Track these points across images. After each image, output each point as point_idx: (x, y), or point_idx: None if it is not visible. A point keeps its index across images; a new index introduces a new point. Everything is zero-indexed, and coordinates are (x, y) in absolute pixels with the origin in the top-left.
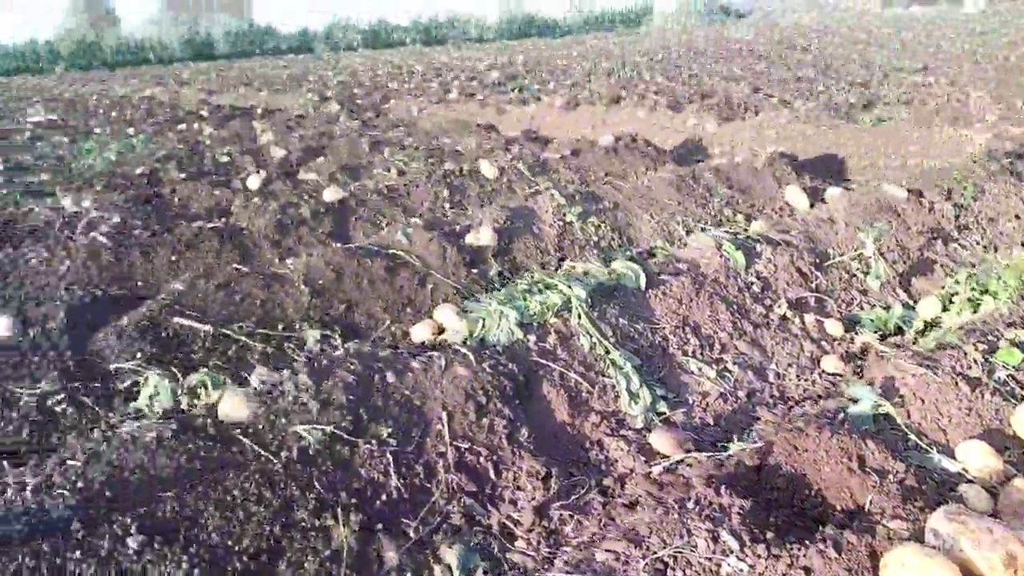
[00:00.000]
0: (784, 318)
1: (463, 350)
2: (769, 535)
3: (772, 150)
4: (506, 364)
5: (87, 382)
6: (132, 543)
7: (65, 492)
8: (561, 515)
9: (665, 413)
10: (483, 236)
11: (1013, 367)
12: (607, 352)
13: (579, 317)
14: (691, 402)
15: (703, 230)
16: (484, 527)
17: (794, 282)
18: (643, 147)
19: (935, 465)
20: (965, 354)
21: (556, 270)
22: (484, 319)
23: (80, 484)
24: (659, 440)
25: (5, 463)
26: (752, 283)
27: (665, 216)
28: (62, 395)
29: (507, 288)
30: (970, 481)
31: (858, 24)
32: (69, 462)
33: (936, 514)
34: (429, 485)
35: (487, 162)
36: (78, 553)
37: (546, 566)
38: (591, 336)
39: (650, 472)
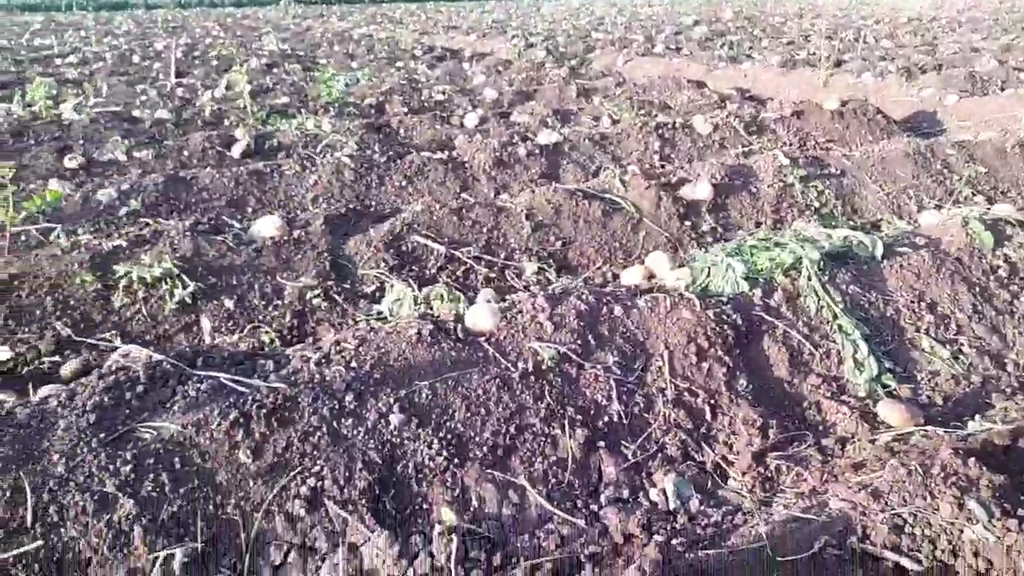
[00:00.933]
0: None
1: (687, 294)
2: (1022, 512)
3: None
4: (729, 314)
5: (339, 282)
6: (393, 419)
7: (340, 369)
8: (778, 464)
9: (891, 386)
10: (700, 190)
11: None
12: (835, 317)
13: (808, 278)
14: (919, 379)
15: (937, 207)
16: (698, 463)
17: None
18: (872, 114)
19: None
20: None
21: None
22: (709, 268)
23: (353, 363)
24: (887, 410)
25: (278, 343)
26: (998, 267)
27: (896, 189)
28: (318, 290)
29: (734, 241)
30: None
31: None
32: (343, 344)
33: None
34: (647, 415)
35: (701, 117)
36: (350, 421)
37: (763, 508)
38: (819, 298)
39: (876, 439)
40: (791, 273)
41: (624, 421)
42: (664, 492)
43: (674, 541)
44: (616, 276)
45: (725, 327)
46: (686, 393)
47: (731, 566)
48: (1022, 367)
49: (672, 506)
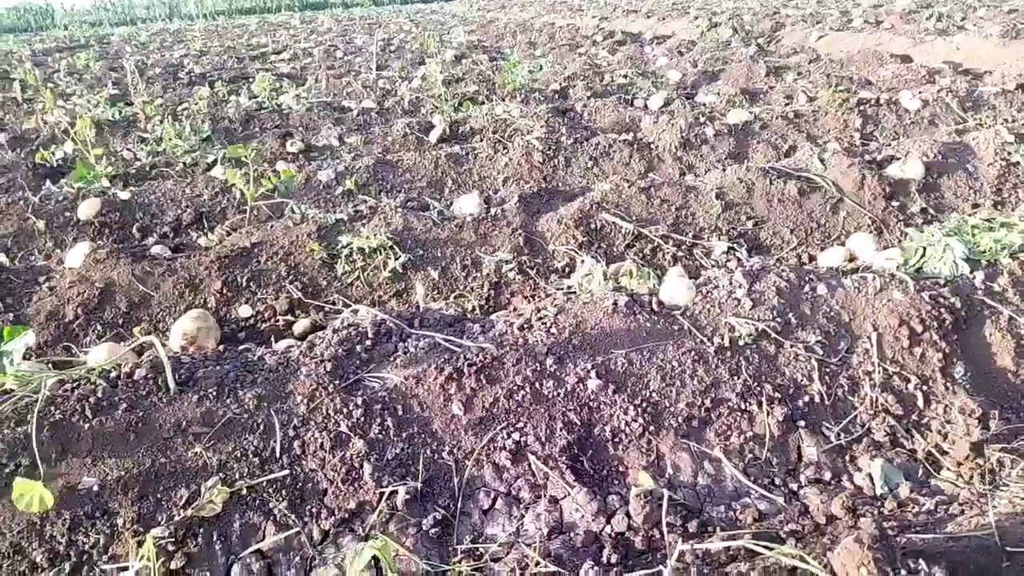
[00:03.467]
0: None
1: (899, 274)
2: None
3: None
4: (947, 297)
5: (531, 256)
6: (591, 384)
7: (541, 334)
8: (1000, 457)
9: None
10: (909, 169)
11: None
12: None
13: None
14: None
15: None
16: (908, 451)
17: None
18: None
19: None
20: None
21: (997, 212)
22: (924, 248)
23: (552, 330)
24: None
25: (477, 310)
26: None
27: None
28: (513, 264)
29: (952, 220)
30: None
31: None
32: (544, 311)
33: None
34: (852, 398)
35: (908, 93)
36: (551, 383)
37: (982, 500)
38: None
39: None
40: (1020, 256)
41: (826, 402)
42: (870, 476)
43: (884, 524)
44: (812, 258)
45: (941, 310)
46: (896, 378)
47: (952, 551)
48: None
49: (879, 491)
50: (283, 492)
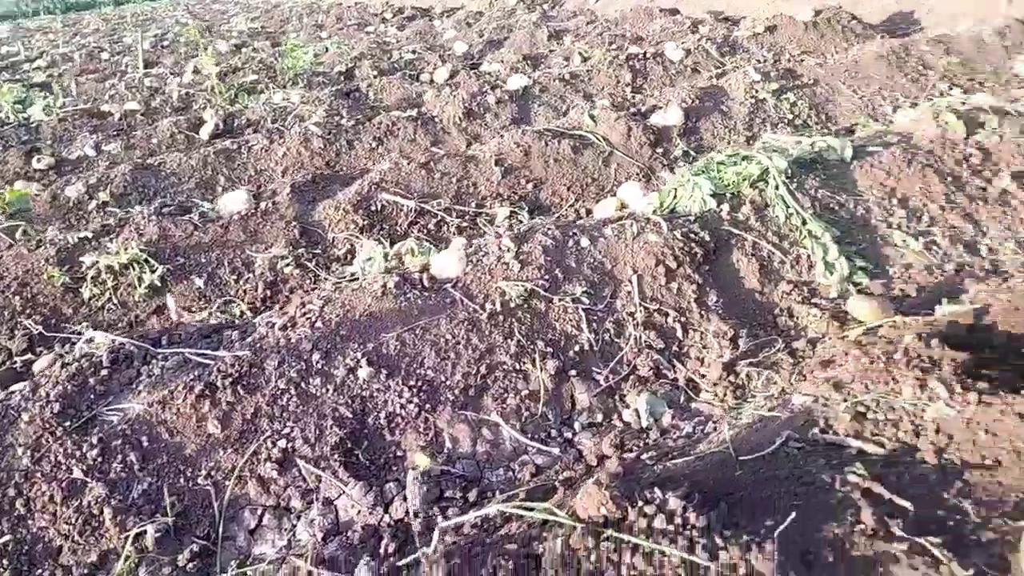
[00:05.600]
0: (1005, 191)
1: (654, 217)
2: (983, 385)
3: (1004, 19)
4: (697, 232)
5: (310, 248)
6: (362, 373)
7: (306, 330)
8: (748, 371)
9: (863, 284)
10: (669, 116)
11: None
12: (804, 223)
13: (776, 187)
14: (892, 274)
15: (913, 105)
16: (670, 380)
17: (1020, 154)
18: (846, 20)
19: None
20: None
21: (743, 147)
22: (676, 189)
23: (318, 324)
24: (857, 306)
25: (248, 312)
26: (971, 155)
27: (870, 92)
28: (289, 259)
29: (701, 160)
30: None
31: None
32: (308, 306)
33: None
34: (618, 340)
35: (672, 44)
36: (318, 380)
37: (733, 414)
38: (787, 206)
39: (846, 335)
40: (759, 185)
41: (595, 348)
42: (637, 412)
43: (644, 456)
44: (590, 211)
45: (692, 245)
46: (656, 314)
47: (696, 471)
48: (995, 250)
49: (645, 423)
50: (5, 561)
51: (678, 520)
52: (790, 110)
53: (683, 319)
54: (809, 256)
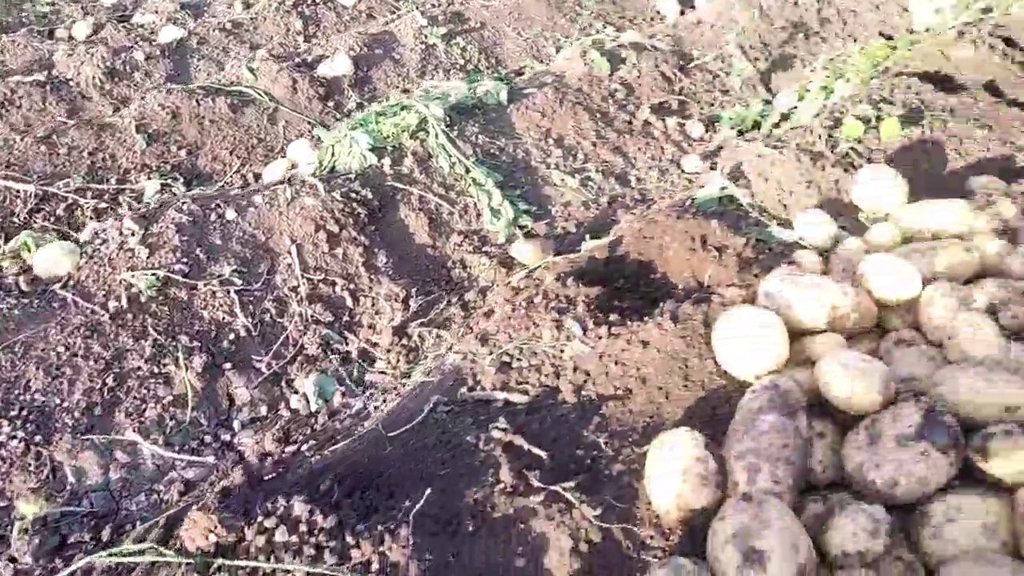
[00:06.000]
0: (647, 123)
1: (310, 179)
2: (614, 318)
3: None
4: (359, 191)
5: None
6: None
7: None
8: (420, 332)
9: (528, 226)
10: (338, 65)
11: (855, 139)
12: (467, 171)
13: (436, 137)
14: (554, 213)
15: (572, 45)
16: (342, 354)
17: (658, 87)
18: None
19: (774, 237)
20: (810, 132)
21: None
22: (333, 147)
23: None
24: (519, 251)
25: None
26: (616, 90)
27: (533, 34)
28: None
29: (359, 113)
30: (805, 248)
31: None
32: None
33: (769, 277)
34: (281, 320)
35: None
36: None
37: (403, 380)
38: (450, 156)
39: (510, 281)
40: (419, 135)
41: (254, 333)
42: (306, 396)
43: (305, 447)
44: (258, 175)
45: (355, 205)
46: (322, 284)
47: (350, 455)
48: (643, 179)
49: (314, 407)
50: None
51: (303, 528)
52: (461, 55)
53: (352, 286)
54: (476, 204)
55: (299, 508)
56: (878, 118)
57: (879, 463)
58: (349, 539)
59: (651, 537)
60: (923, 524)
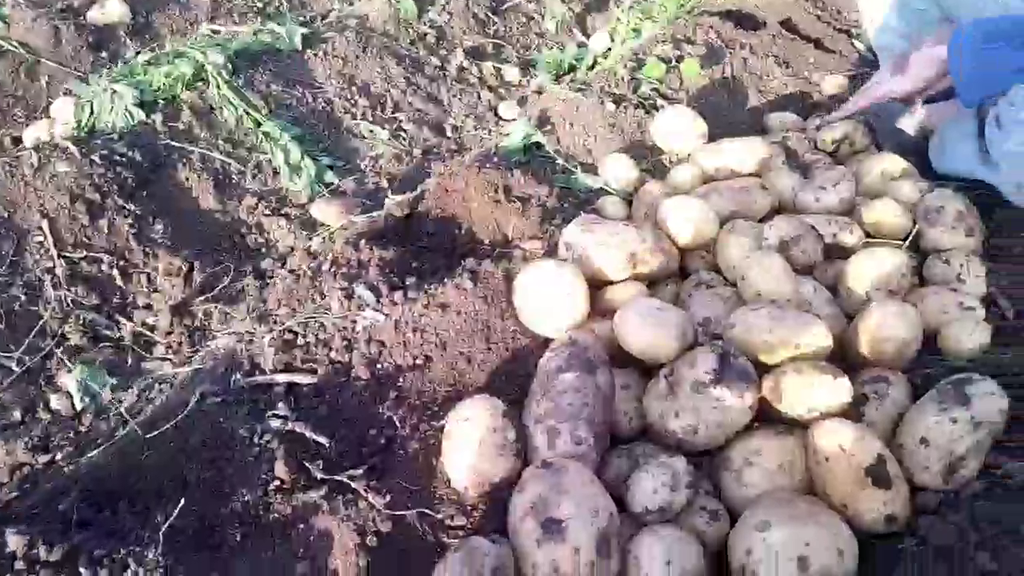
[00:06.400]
0: (462, 68)
1: (62, 143)
2: (411, 281)
3: None
4: (125, 153)
5: None
6: None
7: None
8: (206, 309)
9: (334, 183)
10: (111, 10)
11: (656, 79)
12: (259, 125)
13: (219, 87)
14: (364, 168)
15: None
16: (114, 341)
17: (472, 30)
18: None
19: (580, 184)
20: (615, 74)
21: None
22: (92, 103)
23: None
24: (320, 210)
25: None
26: (427, 34)
27: None
28: None
29: (122, 64)
30: (609, 193)
31: None
32: None
33: (568, 227)
34: (35, 307)
35: None
36: None
37: (185, 367)
38: (237, 108)
39: (309, 246)
40: (198, 86)
41: (0, 325)
42: (69, 395)
43: (60, 456)
44: (18, 140)
45: (121, 170)
46: (85, 263)
47: (103, 465)
48: (459, 128)
49: (80, 406)
50: None
51: (20, 566)
52: None
53: (122, 262)
54: (271, 161)
55: (14, 542)
56: (679, 58)
57: (678, 411)
58: (83, 571)
59: (451, 517)
60: (725, 469)
